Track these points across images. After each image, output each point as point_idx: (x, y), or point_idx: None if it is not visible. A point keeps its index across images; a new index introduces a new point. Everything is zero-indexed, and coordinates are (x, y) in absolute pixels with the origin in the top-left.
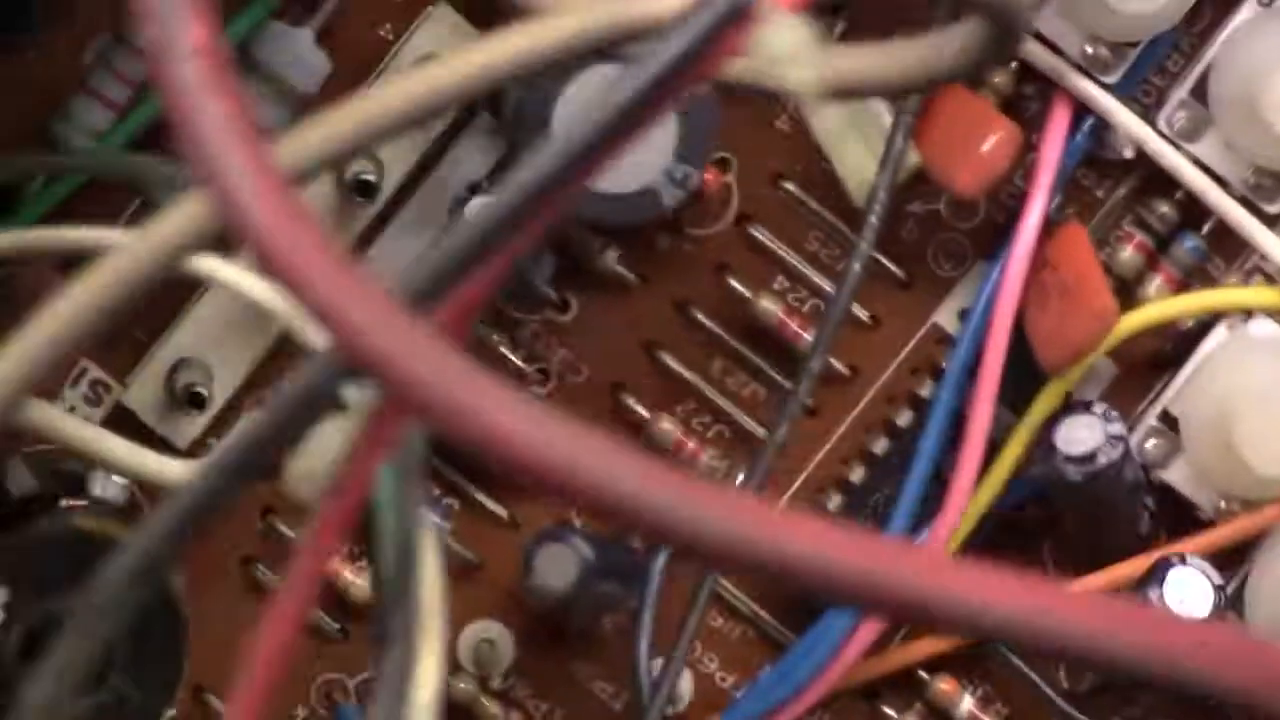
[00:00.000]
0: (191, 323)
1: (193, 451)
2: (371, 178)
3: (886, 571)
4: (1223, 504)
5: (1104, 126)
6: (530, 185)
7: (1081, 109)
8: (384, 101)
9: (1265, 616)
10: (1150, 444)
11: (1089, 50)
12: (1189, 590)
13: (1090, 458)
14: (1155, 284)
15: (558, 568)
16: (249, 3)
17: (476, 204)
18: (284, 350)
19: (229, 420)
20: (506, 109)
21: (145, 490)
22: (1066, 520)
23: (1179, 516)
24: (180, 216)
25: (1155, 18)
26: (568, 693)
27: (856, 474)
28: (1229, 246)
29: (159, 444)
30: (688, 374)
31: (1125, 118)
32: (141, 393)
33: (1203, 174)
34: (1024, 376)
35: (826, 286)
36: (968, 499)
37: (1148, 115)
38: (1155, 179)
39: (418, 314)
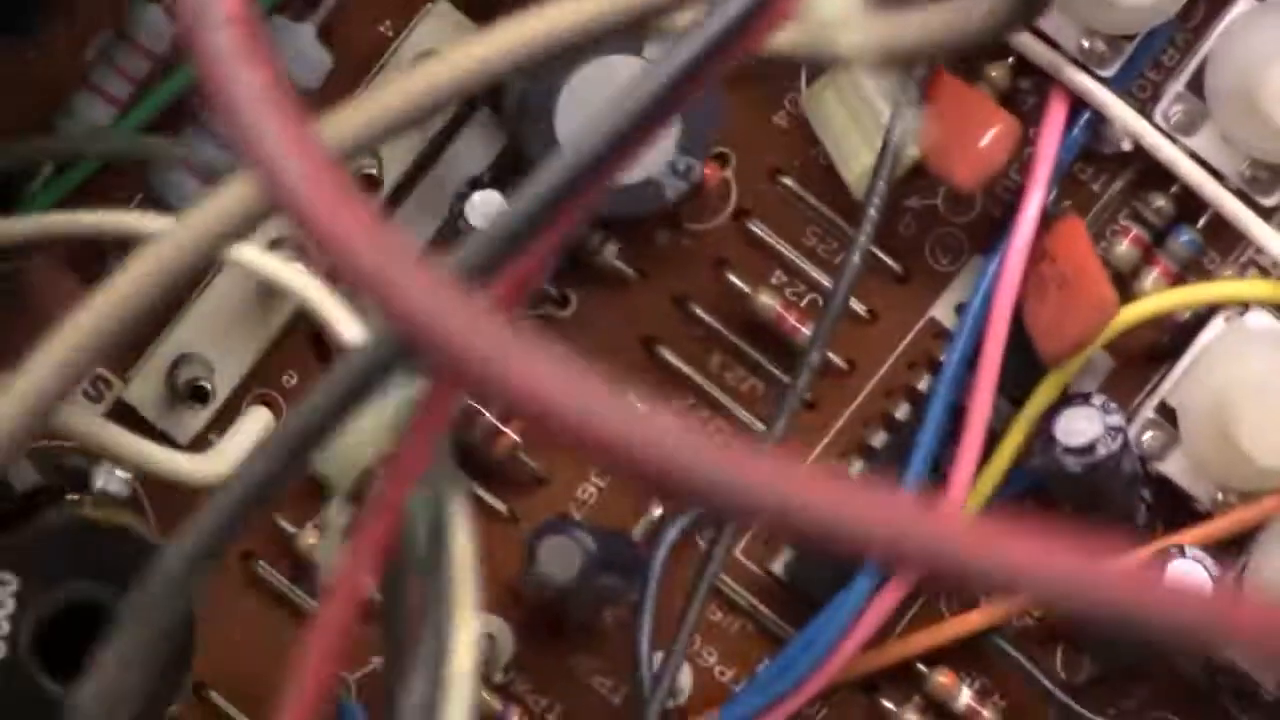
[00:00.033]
0: (193, 318)
1: (194, 447)
2: (373, 171)
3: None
4: (1220, 496)
5: (1100, 120)
6: (594, 149)
7: (1078, 103)
8: (429, 77)
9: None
10: (1147, 436)
11: (1085, 44)
12: (1188, 581)
13: (1089, 449)
14: (1152, 277)
15: (561, 560)
16: None
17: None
18: (285, 346)
19: (230, 416)
20: (509, 102)
21: (147, 485)
22: (1064, 511)
23: (1176, 508)
24: (223, 201)
25: (1151, 10)
26: (567, 687)
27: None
28: (1224, 240)
29: (160, 439)
30: (686, 368)
31: (1122, 111)
32: (143, 388)
33: (1199, 167)
34: (1022, 369)
35: (824, 281)
36: (967, 491)
37: (1144, 109)
38: (1151, 173)
39: (472, 287)
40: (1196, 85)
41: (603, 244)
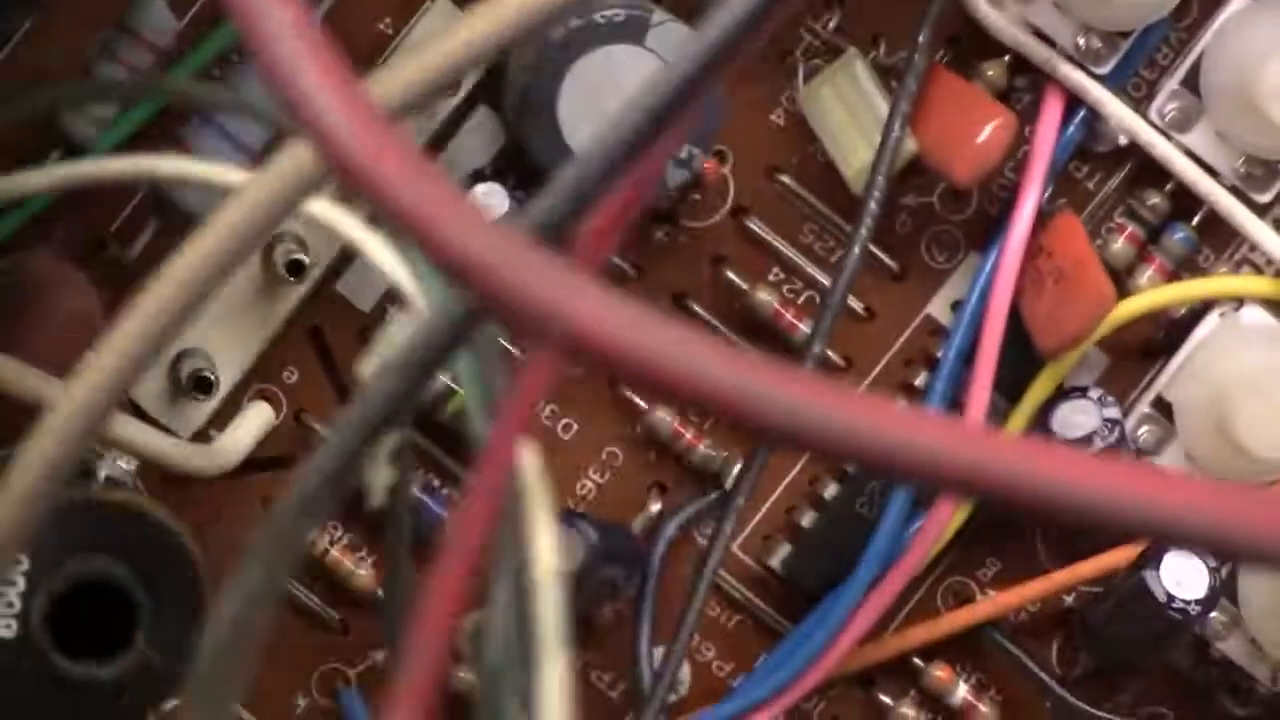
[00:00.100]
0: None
1: (196, 442)
2: None
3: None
4: None
5: (1096, 118)
6: (668, 90)
7: (1074, 100)
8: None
9: (1259, 598)
10: (1143, 431)
11: (1081, 42)
12: (1185, 573)
13: (1087, 441)
14: (1147, 275)
15: (564, 551)
16: None
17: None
18: (285, 342)
19: (231, 412)
20: (511, 94)
21: (147, 478)
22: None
23: None
24: (294, 158)
25: (1147, 6)
26: None
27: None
28: (1219, 237)
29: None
30: None
31: (1117, 109)
32: (145, 384)
33: (1194, 164)
34: (1018, 366)
35: (822, 278)
36: None
37: (1139, 106)
38: (1146, 170)
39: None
40: (1192, 82)
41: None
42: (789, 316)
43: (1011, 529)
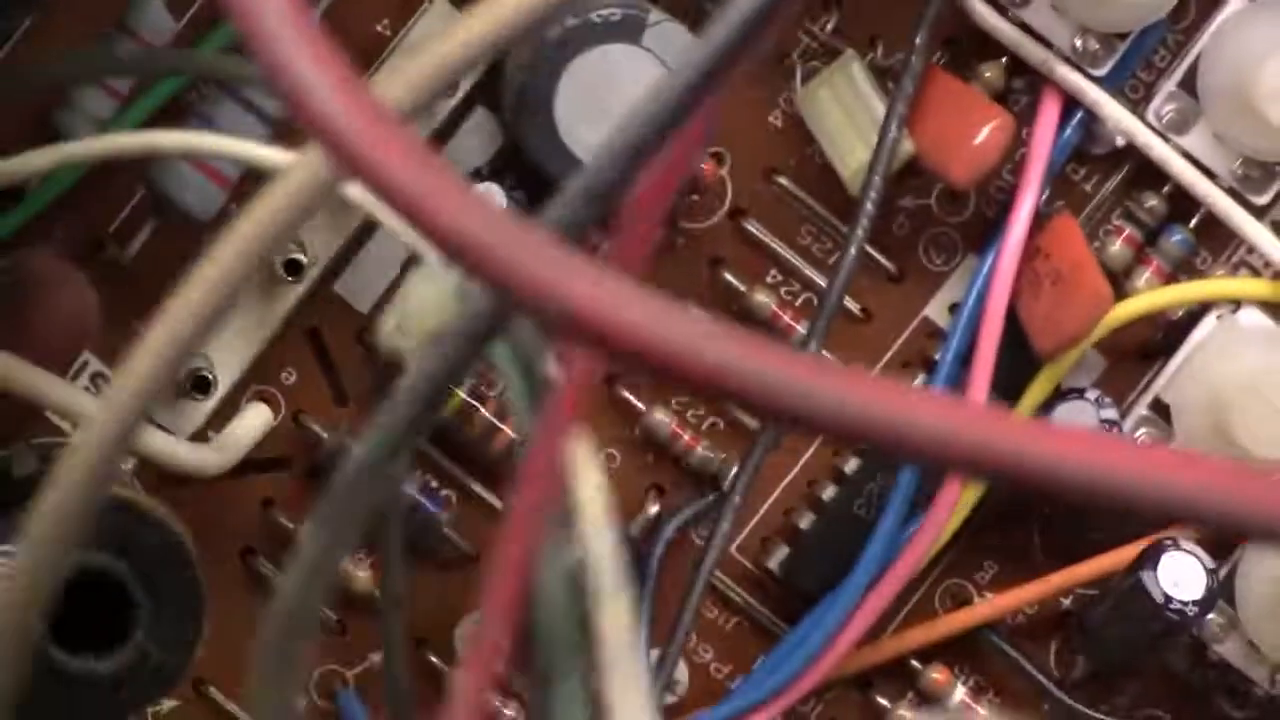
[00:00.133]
0: None
1: (194, 442)
2: None
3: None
4: None
5: (1093, 120)
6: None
7: (1071, 102)
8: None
9: (1256, 599)
10: (1141, 432)
11: (1078, 44)
12: (1182, 573)
13: None
14: (1144, 277)
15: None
16: None
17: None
18: (283, 344)
19: (229, 413)
20: (508, 94)
21: (143, 477)
22: (1058, 507)
23: None
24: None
25: (1145, 7)
26: None
27: (850, 464)
28: (1216, 239)
29: None
30: None
31: (1114, 110)
32: None
33: (1191, 166)
34: (1016, 366)
35: (819, 280)
36: (961, 488)
37: (1136, 108)
38: (1144, 172)
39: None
40: (1189, 84)
41: (597, 241)
42: (786, 318)
43: (1010, 530)
